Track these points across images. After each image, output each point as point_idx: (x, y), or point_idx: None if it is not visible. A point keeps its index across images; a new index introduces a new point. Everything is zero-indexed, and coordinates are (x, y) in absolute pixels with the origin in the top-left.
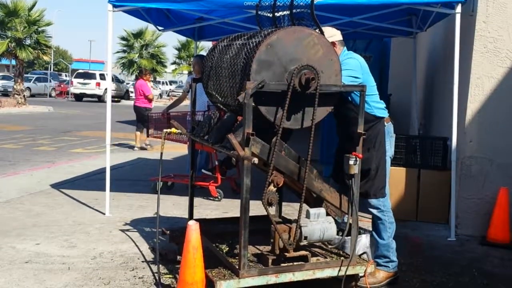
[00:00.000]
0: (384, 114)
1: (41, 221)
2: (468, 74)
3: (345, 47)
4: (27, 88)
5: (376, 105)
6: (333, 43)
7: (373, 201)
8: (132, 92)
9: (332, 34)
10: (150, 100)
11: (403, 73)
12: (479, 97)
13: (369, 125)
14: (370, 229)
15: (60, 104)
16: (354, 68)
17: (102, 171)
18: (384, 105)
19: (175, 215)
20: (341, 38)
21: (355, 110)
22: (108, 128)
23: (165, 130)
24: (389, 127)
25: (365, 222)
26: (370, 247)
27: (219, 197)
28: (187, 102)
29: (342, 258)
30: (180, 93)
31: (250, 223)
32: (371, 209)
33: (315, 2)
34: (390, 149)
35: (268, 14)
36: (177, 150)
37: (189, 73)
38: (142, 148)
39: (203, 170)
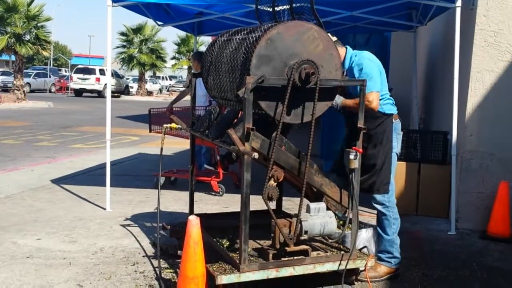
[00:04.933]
0: (393, 110)
1: (42, 216)
2: (468, 68)
3: (347, 46)
4: (26, 83)
5: (386, 102)
6: None
7: (378, 197)
8: (132, 87)
9: None
10: None
11: (403, 68)
12: (480, 91)
13: (378, 121)
14: (370, 223)
15: (60, 100)
16: (376, 73)
17: (102, 166)
18: (393, 102)
19: (175, 210)
20: (336, 39)
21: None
22: (108, 123)
23: (165, 125)
24: (396, 124)
25: (366, 216)
26: (374, 242)
27: (221, 192)
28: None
29: (342, 252)
30: (180, 88)
31: (251, 218)
32: (375, 205)
33: None
34: (396, 146)
35: (268, 9)
36: (177, 145)
37: (189, 68)
38: None
39: (205, 165)
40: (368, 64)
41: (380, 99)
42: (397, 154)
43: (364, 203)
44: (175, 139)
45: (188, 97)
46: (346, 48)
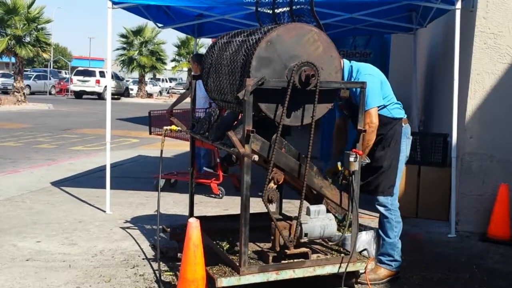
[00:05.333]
0: (402, 114)
1: (41, 219)
2: (468, 70)
3: (344, 60)
4: (27, 85)
5: (393, 107)
6: None
7: (381, 199)
8: (132, 89)
9: None
10: None
11: (403, 70)
12: (479, 93)
13: (389, 126)
14: (371, 225)
15: (60, 102)
16: (376, 89)
17: (102, 168)
18: (401, 105)
19: (175, 213)
20: None
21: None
22: (108, 125)
23: (165, 128)
24: (406, 128)
25: (366, 219)
26: (375, 244)
27: (220, 194)
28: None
29: (342, 255)
30: (180, 90)
31: (251, 220)
32: (378, 207)
33: None
34: (405, 150)
35: (268, 11)
36: (177, 147)
37: (189, 70)
38: None
39: (205, 168)
40: (367, 78)
41: (388, 105)
42: (406, 157)
43: (364, 206)
44: (175, 141)
45: (188, 99)
46: (343, 60)
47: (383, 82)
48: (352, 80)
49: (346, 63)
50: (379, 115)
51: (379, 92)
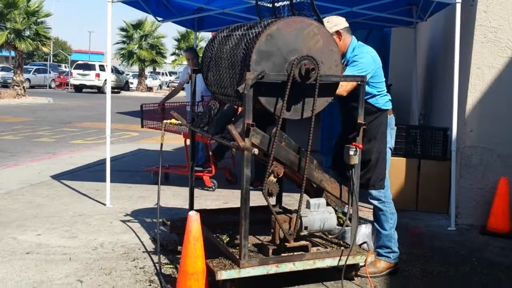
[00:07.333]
0: (389, 106)
1: (41, 212)
2: (468, 64)
3: (353, 37)
4: (26, 79)
5: (382, 98)
6: (338, 32)
7: (374, 192)
8: (132, 83)
9: (337, 23)
10: None
11: (403, 63)
12: (480, 87)
13: (373, 116)
14: (370, 219)
15: (60, 95)
16: (366, 67)
17: (102, 162)
18: (389, 97)
19: (175, 206)
20: (347, 25)
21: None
22: (108, 119)
23: (165, 121)
24: (390, 119)
25: (365, 212)
26: (374, 237)
27: (213, 187)
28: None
29: (342, 248)
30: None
31: (251, 214)
32: (372, 200)
33: None
34: (390, 141)
35: (268, 5)
36: (177, 141)
37: None
38: None
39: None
40: (363, 54)
41: (377, 95)
42: (391, 149)
43: (364, 199)
44: (176, 135)
45: (181, 93)
46: (352, 37)
47: (378, 70)
48: (352, 56)
49: (354, 41)
50: (367, 104)
51: (366, 66)
